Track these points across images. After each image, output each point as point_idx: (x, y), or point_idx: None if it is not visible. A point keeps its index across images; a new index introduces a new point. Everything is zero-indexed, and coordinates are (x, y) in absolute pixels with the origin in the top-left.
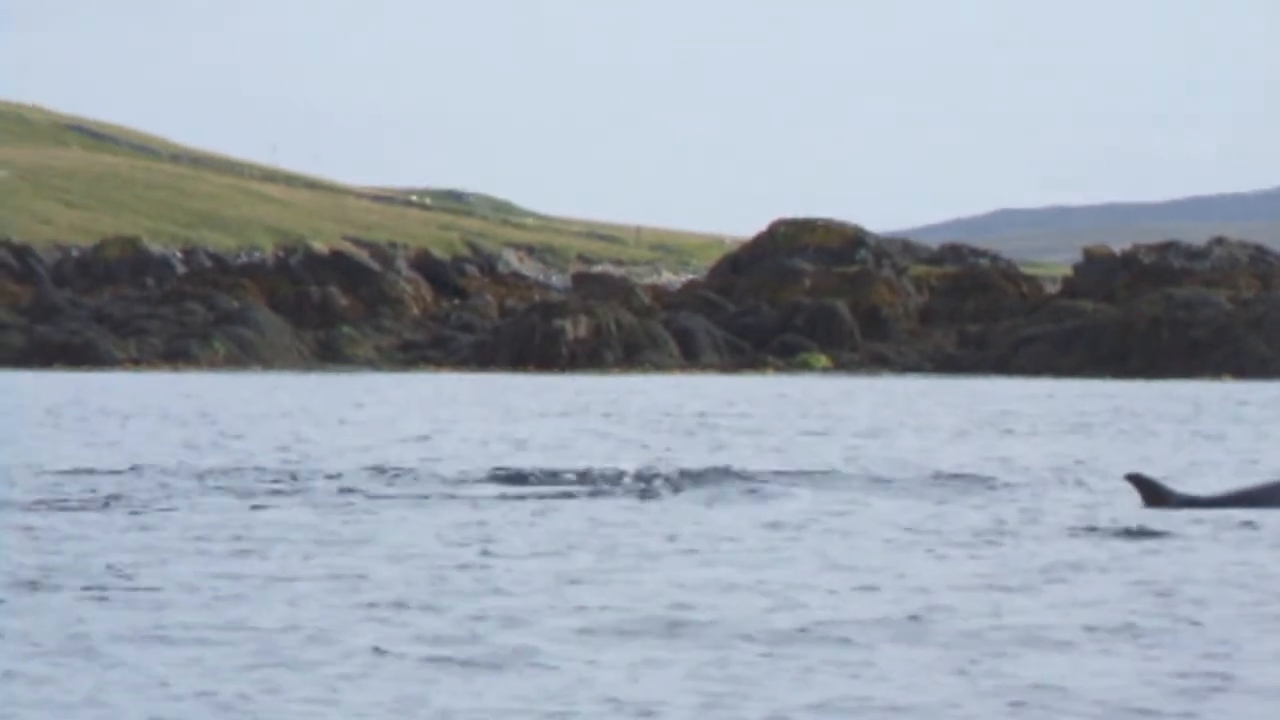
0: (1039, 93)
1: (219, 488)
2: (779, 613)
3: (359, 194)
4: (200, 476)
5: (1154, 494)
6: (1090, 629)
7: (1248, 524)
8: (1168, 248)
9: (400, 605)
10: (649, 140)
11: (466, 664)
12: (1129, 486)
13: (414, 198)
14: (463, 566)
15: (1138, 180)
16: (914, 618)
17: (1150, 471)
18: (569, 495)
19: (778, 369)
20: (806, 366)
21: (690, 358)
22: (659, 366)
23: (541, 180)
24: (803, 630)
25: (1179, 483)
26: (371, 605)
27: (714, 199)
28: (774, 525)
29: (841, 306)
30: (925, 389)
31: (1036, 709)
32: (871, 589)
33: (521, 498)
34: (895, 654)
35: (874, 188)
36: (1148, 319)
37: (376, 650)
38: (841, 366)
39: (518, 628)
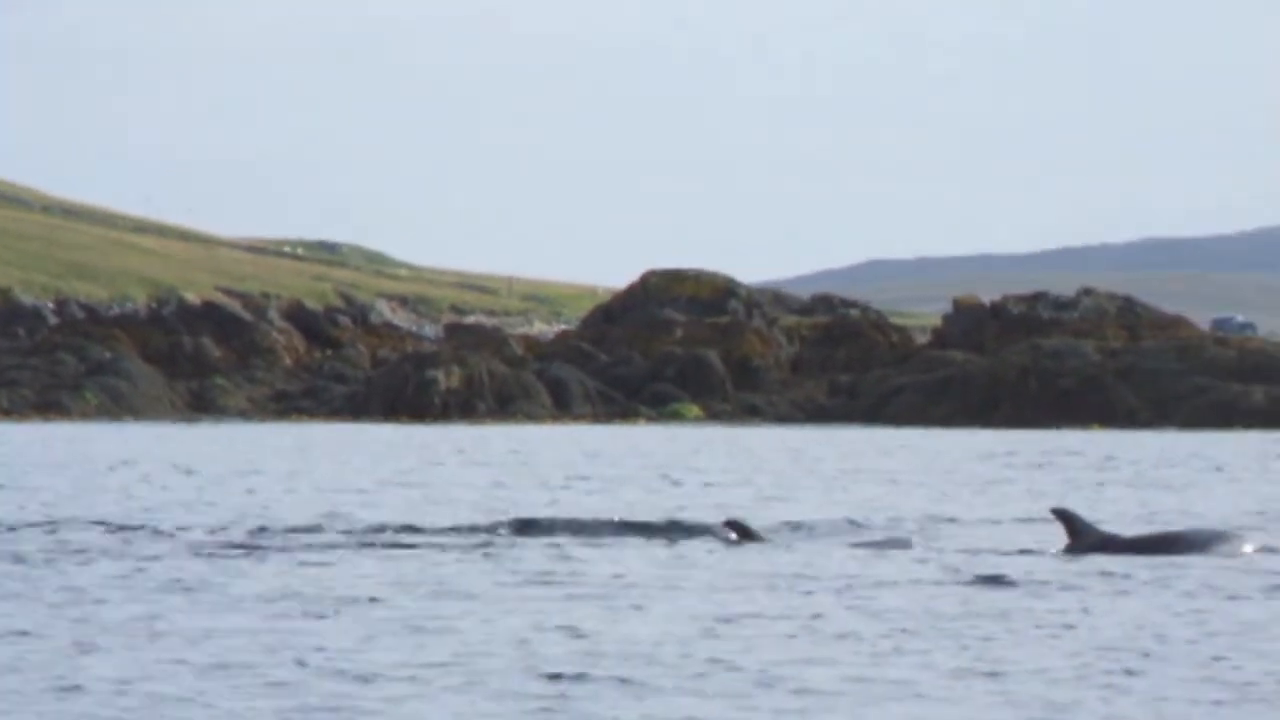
0: (907, 145)
1: None
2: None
3: (232, 245)
4: None
5: (1075, 531)
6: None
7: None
8: (1036, 298)
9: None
10: (521, 191)
11: None
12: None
13: (287, 248)
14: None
15: (1006, 231)
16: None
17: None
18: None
19: (649, 419)
20: (678, 416)
21: (562, 408)
22: (531, 417)
23: (414, 231)
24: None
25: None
26: None
27: (586, 250)
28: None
29: (713, 357)
30: (783, 439)
31: None
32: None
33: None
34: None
35: (745, 239)
36: (1016, 369)
37: None
38: (713, 416)
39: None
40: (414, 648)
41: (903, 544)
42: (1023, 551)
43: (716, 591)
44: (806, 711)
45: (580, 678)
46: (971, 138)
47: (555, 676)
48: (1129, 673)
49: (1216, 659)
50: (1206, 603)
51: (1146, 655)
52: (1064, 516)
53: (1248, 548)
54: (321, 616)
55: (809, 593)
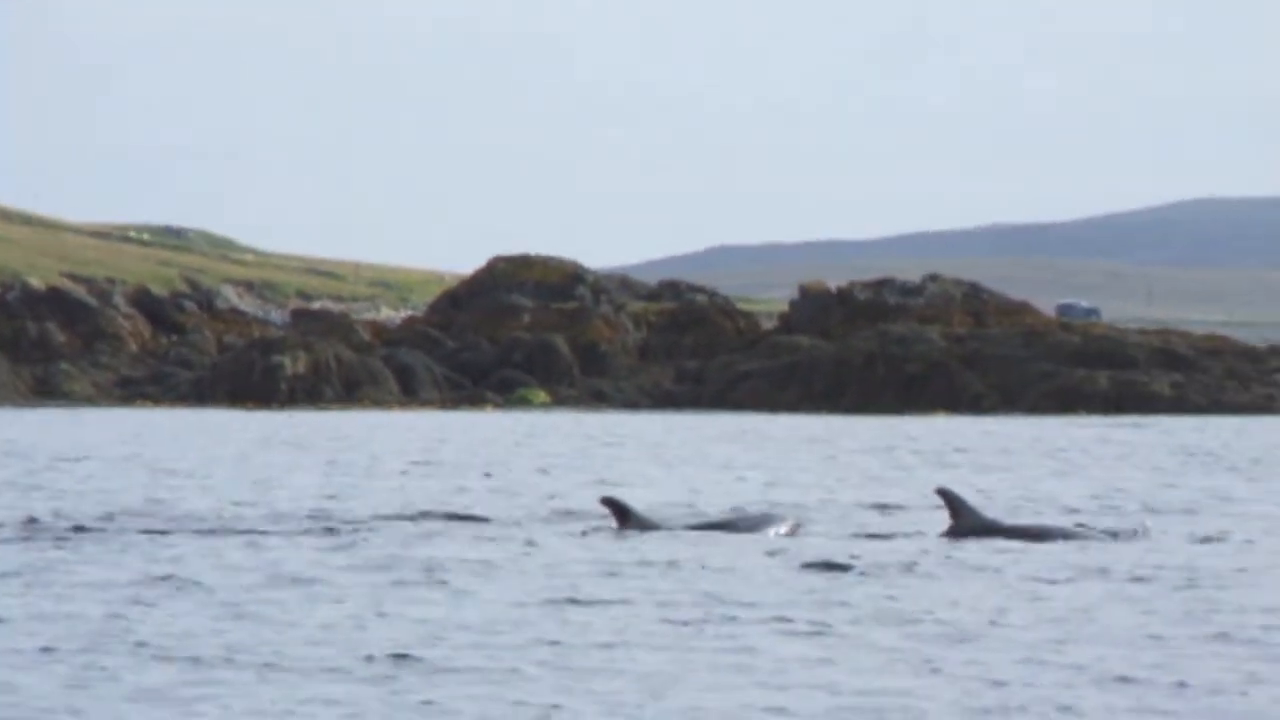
0: (755, 131)
1: None
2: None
3: (77, 230)
4: None
5: (624, 517)
6: None
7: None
8: (883, 284)
9: None
10: (368, 177)
11: None
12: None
13: (132, 234)
14: None
15: (853, 218)
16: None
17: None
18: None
19: (496, 405)
20: (525, 402)
21: (409, 394)
22: (378, 402)
23: (260, 217)
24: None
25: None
26: None
27: (433, 236)
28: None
29: (560, 342)
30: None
31: None
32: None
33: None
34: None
35: (592, 225)
36: (863, 355)
37: None
38: (560, 402)
39: None
40: (243, 632)
41: (766, 528)
42: (894, 536)
43: (558, 576)
44: (620, 693)
45: (407, 660)
46: (819, 125)
47: (388, 658)
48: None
49: (1041, 643)
50: (1045, 588)
51: (968, 640)
52: (948, 498)
53: (1114, 537)
54: (148, 604)
55: (645, 577)
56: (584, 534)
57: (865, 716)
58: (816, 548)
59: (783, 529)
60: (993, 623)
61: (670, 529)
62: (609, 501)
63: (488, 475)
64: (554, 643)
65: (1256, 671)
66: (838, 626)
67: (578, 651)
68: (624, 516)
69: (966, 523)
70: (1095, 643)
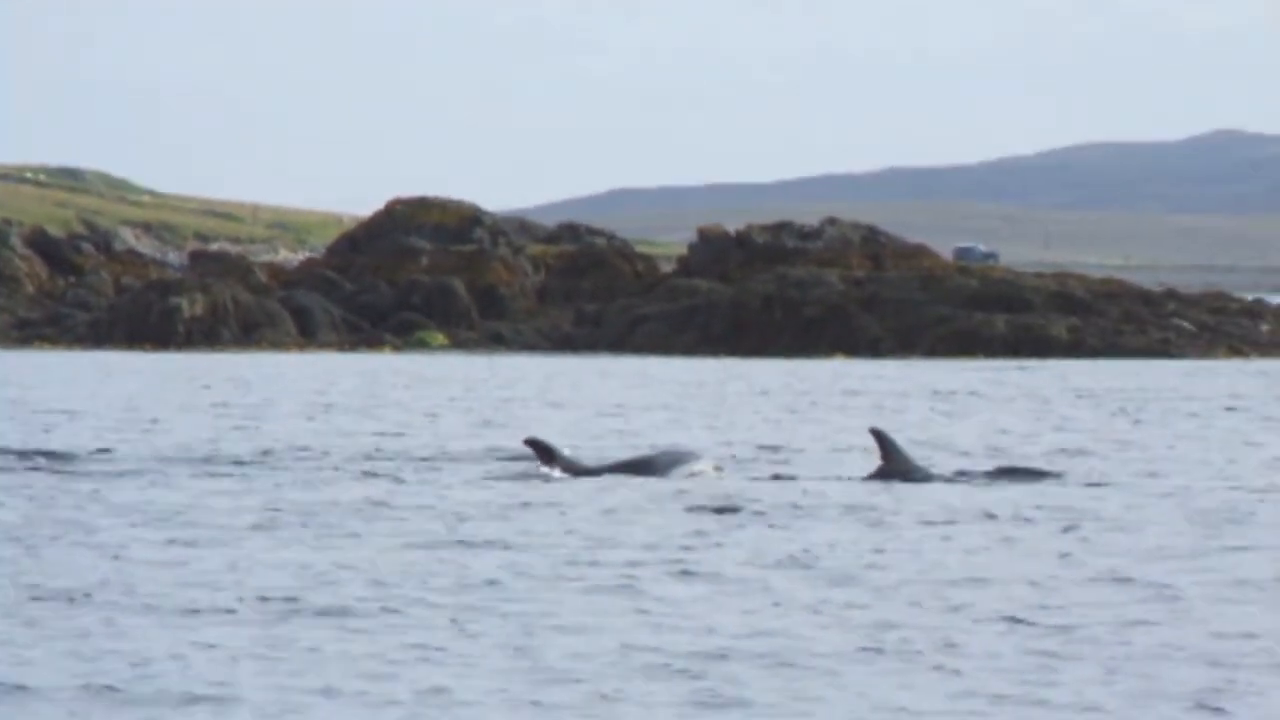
0: (653, 74)
1: None
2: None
3: None
4: None
5: (549, 457)
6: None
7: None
8: (781, 228)
9: None
10: (266, 118)
11: None
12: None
13: (28, 174)
14: None
15: (752, 161)
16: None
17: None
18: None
19: (395, 347)
20: (423, 345)
21: (307, 336)
22: (276, 344)
23: (158, 158)
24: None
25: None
26: None
27: (331, 178)
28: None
29: (458, 285)
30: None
31: None
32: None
33: None
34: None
35: (491, 167)
36: (761, 298)
37: None
38: (459, 345)
39: None
40: (122, 574)
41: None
42: (788, 479)
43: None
44: (504, 635)
45: (291, 603)
46: (718, 68)
47: (271, 601)
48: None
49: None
50: (931, 530)
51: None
52: (880, 439)
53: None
54: (29, 545)
55: (540, 518)
56: (483, 477)
57: (748, 658)
58: (713, 489)
59: (698, 468)
60: (875, 565)
61: (593, 471)
62: (533, 442)
63: (380, 417)
64: (442, 585)
65: (1137, 613)
66: (726, 568)
67: (466, 592)
68: (548, 457)
69: (896, 465)
70: (980, 585)
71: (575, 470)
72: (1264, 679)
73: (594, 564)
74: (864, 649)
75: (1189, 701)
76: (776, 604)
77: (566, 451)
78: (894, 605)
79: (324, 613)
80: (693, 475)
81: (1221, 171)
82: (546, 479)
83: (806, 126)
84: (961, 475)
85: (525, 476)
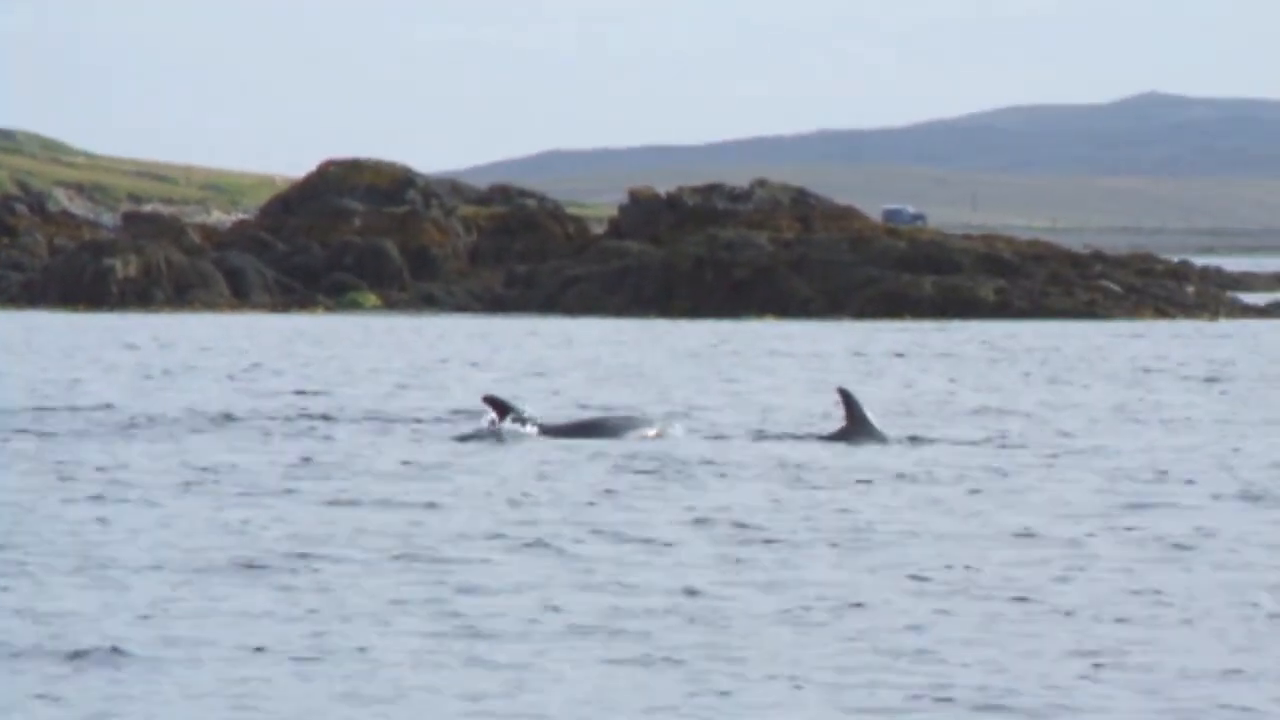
0: (585, 36)
1: None
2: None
3: None
4: None
5: (504, 414)
6: None
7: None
8: (711, 190)
9: None
10: (200, 80)
11: None
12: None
13: None
14: None
15: (682, 123)
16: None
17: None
18: None
19: (327, 308)
20: (356, 305)
21: (240, 297)
22: (209, 305)
23: (91, 119)
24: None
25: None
26: None
27: (264, 139)
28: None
29: (391, 246)
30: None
31: None
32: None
33: None
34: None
35: (423, 129)
36: (691, 259)
37: None
38: (391, 305)
39: None
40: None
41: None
42: (716, 438)
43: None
44: (413, 590)
45: (207, 562)
46: (649, 30)
47: (188, 558)
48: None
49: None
50: (853, 490)
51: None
52: (846, 399)
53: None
54: None
55: (468, 477)
56: (409, 438)
57: (669, 617)
58: (649, 449)
59: (650, 431)
60: (802, 522)
61: (550, 431)
62: (491, 400)
63: (308, 376)
64: (367, 544)
65: (1048, 571)
66: (653, 526)
67: (390, 551)
68: (504, 414)
69: (858, 427)
70: (891, 545)
71: (539, 429)
72: (1167, 635)
73: (523, 524)
74: (786, 609)
75: (1086, 661)
76: (702, 562)
77: (526, 411)
78: (815, 564)
79: (248, 567)
80: (645, 437)
81: (1148, 134)
82: (497, 437)
83: (737, 90)
84: (914, 439)
85: (450, 437)
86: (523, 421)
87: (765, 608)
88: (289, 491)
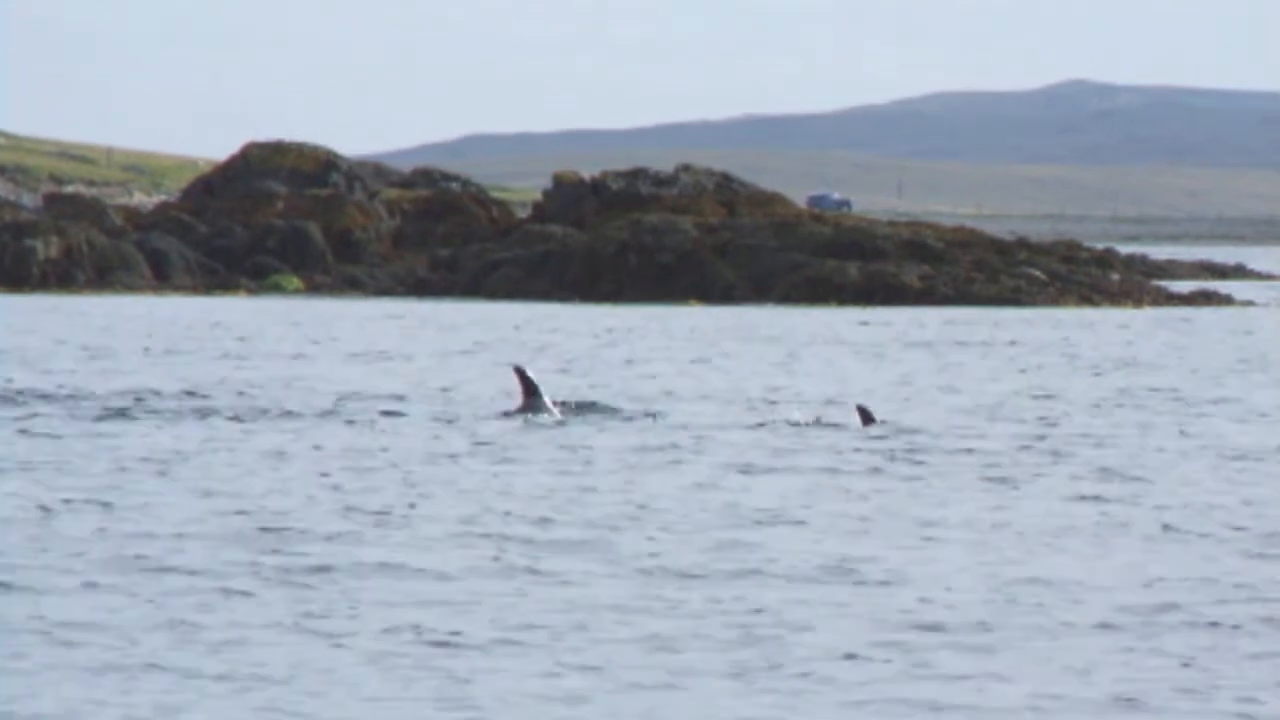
0: (510, 19)
1: None
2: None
3: None
4: None
5: (530, 392)
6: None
7: None
8: (636, 174)
9: None
10: (122, 61)
11: None
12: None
13: None
14: None
15: (607, 107)
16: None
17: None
18: None
19: (250, 291)
20: (278, 289)
21: (162, 279)
22: (131, 287)
23: (12, 99)
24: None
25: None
26: None
27: (187, 121)
28: None
29: (314, 229)
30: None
31: None
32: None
33: None
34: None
35: (347, 112)
36: (615, 244)
37: None
38: (314, 289)
39: None
40: None
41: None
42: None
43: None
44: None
45: (139, 552)
46: (574, 14)
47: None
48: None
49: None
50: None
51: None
52: (522, 377)
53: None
54: None
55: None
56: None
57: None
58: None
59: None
60: (645, 506)
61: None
62: (519, 371)
63: (228, 357)
64: (230, 531)
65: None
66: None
67: (258, 538)
68: (530, 391)
69: (533, 403)
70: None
71: (539, 409)
72: (987, 614)
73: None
74: (654, 595)
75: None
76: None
77: (545, 394)
78: (680, 548)
79: (137, 558)
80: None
81: (1073, 121)
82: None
83: (663, 73)
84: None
85: (339, 422)
86: (538, 403)
87: (632, 603)
88: (164, 480)
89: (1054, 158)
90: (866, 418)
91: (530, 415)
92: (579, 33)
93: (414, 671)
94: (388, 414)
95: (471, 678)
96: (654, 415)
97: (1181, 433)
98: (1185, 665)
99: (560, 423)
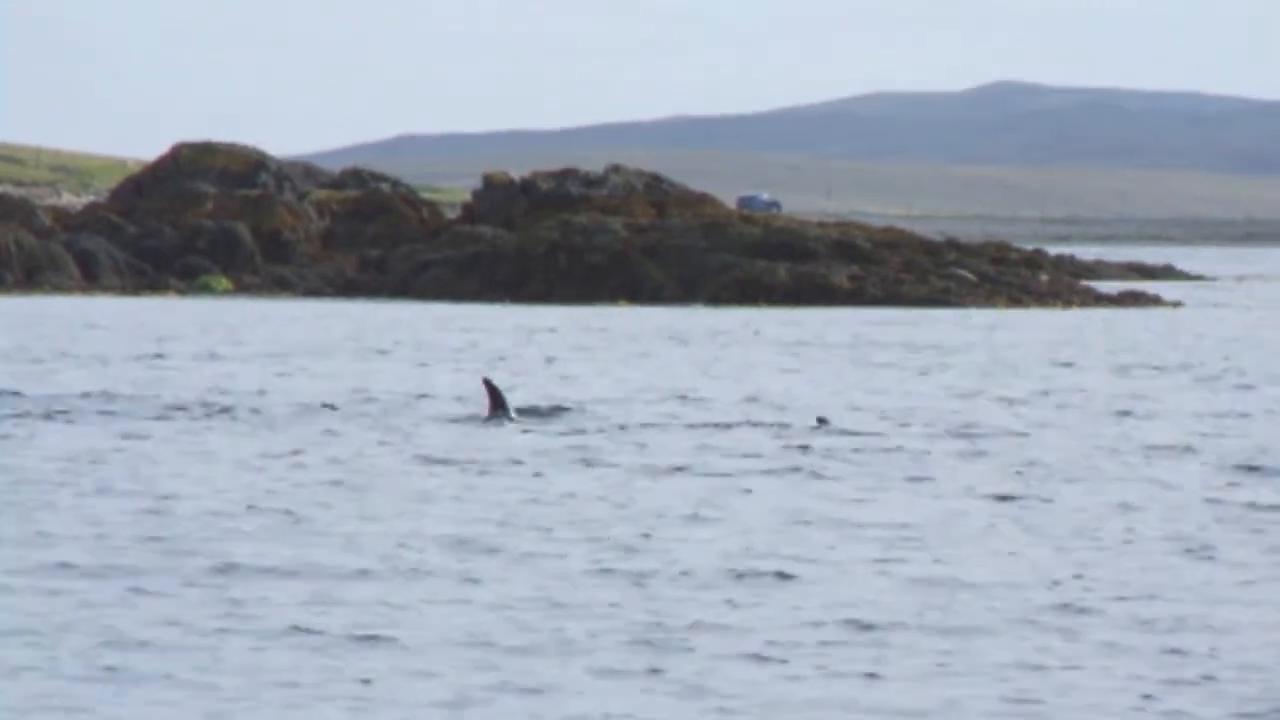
0: (441, 20)
1: None
2: None
3: None
4: None
5: (497, 402)
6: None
7: None
8: (566, 175)
9: None
10: (50, 61)
11: None
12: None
13: None
14: None
15: (538, 107)
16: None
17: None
18: None
19: (179, 291)
20: (208, 289)
21: (91, 280)
22: (59, 288)
23: None
24: None
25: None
26: None
27: (116, 122)
28: None
29: (243, 230)
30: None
31: None
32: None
33: None
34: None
35: (276, 112)
36: (546, 245)
37: None
38: (243, 289)
39: None
40: None
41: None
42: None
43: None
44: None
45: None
46: (504, 14)
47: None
48: None
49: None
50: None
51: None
52: (490, 388)
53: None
54: None
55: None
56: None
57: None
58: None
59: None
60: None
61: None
62: (487, 383)
63: (159, 356)
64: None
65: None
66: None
67: (149, 534)
68: (497, 401)
69: (499, 412)
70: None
71: (504, 418)
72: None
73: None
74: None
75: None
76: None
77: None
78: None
79: (43, 561)
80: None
81: (1003, 122)
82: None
83: (593, 74)
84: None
85: (251, 423)
86: (505, 411)
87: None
88: (65, 486)
89: (984, 159)
90: (497, 399)
91: (494, 422)
92: (510, 33)
93: (317, 675)
94: (300, 414)
95: (374, 678)
96: (623, 426)
97: (1100, 433)
98: (1077, 667)
99: (516, 426)
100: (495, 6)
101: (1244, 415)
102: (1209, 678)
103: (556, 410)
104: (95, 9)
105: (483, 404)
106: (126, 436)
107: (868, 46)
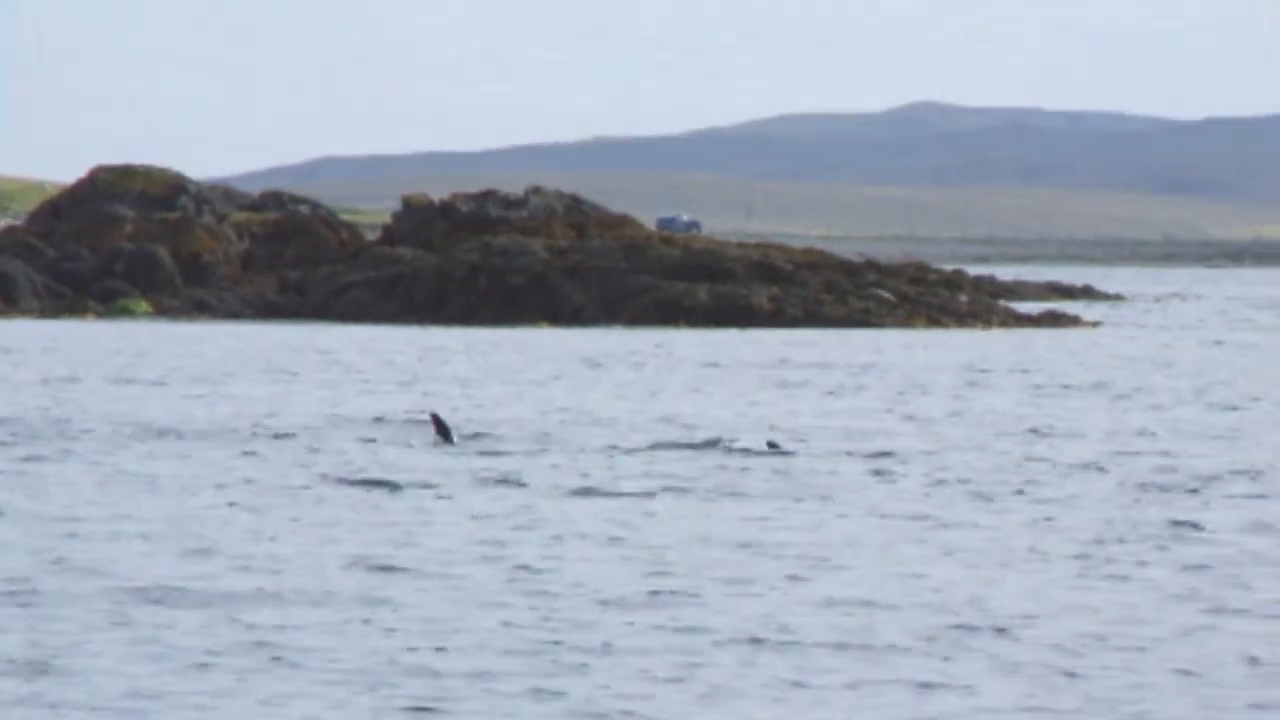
0: (361, 42)
1: None
2: None
3: None
4: None
5: (444, 434)
6: None
7: None
8: (486, 197)
9: None
10: None
11: None
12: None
13: None
14: None
15: (457, 129)
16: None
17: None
18: None
19: (98, 314)
20: (127, 312)
21: (9, 302)
22: None
23: None
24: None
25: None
26: None
27: (34, 145)
28: None
29: (163, 252)
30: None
31: None
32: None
33: None
34: None
35: (195, 135)
36: (465, 266)
37: None
38: (163, 312)
39: None
40: None
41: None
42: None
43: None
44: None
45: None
46: (422, 37)
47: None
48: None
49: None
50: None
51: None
52: (436, 421)
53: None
54: None
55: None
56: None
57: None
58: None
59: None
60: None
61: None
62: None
63: (75, 380)
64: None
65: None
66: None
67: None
68: (444, 433)
69: (444, 439)
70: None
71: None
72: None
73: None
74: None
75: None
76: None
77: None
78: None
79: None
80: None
81: (920, 143)
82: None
83: (513, 96)
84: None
85: (167, 448)
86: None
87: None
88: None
89: (902, 179)
90: (442, 428)
91: (437, 448)
92: (429, 55)
93: (220, 700)
94: (208, 438)
95: (276, 702)
96: (535, 448)
97: (1010, 452)
98: (978, 689)
99: (428, 448)
100: (413, 30)
101: (1153, 434)
102: (1112, 699)
103: (473, 434)
104: (11, 33)
105: (429, 432)
106: (37, 461)
107: (785, 67)
